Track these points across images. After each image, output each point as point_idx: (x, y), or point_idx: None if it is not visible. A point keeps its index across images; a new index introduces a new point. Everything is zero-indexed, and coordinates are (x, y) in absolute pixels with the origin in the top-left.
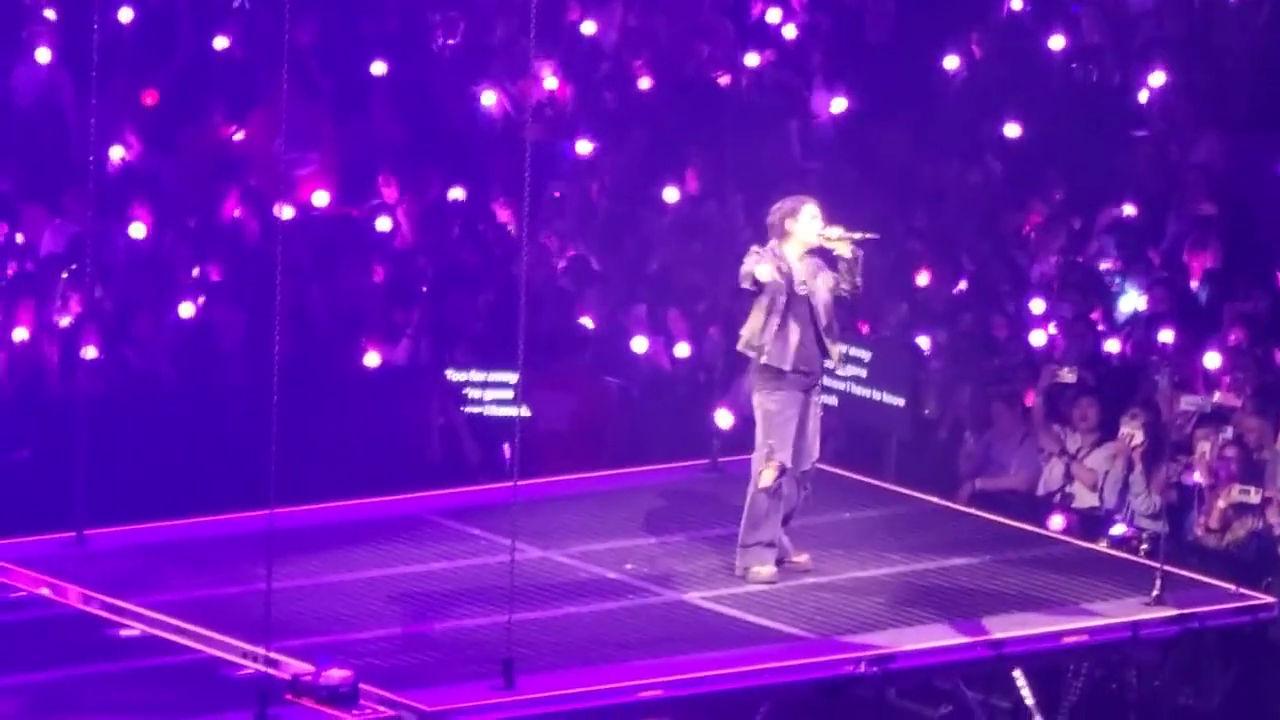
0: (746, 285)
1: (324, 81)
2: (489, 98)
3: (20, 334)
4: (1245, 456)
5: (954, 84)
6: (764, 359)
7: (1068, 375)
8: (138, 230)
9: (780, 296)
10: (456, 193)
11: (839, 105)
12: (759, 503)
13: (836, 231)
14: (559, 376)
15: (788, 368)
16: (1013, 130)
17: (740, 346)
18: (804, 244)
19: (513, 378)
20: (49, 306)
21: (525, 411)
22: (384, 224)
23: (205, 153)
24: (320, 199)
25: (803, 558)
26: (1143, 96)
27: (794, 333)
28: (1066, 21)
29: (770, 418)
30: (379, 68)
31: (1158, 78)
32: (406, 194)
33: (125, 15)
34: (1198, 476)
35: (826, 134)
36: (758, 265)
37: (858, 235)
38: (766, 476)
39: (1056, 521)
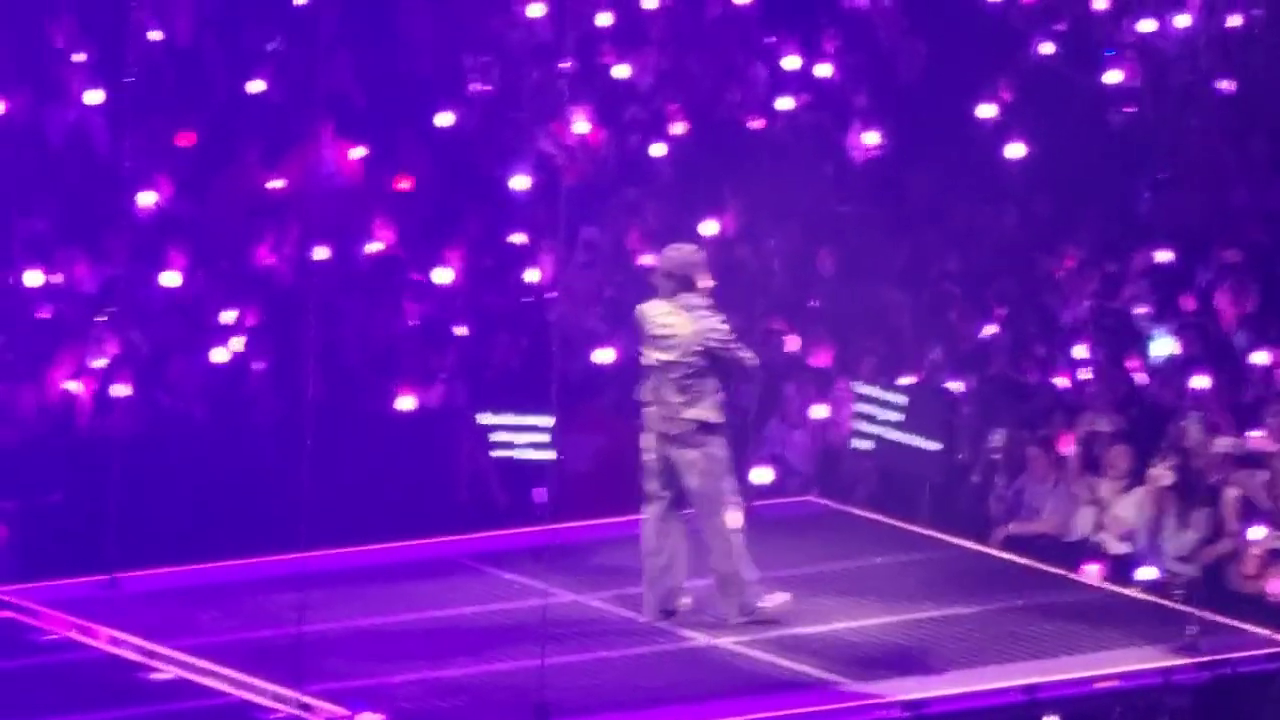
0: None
1: (360, 122)
2: (521, 181)
3: (57, 377)
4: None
5: (986, 126)
6: (713, 417)
7: (1105, 425)
8: (173, 278)
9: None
10: (518, 237)
11: (872, 141)
12: (741, 543)
13: None
14: (583, 417)
15: (723, 420)
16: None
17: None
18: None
19: (545, 421)
20: (84, 348)
21: (553, 455)
22: (445, 276)
23: (240, 195)
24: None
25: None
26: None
27: None
28: (1101, 65)
29: (721, 465)
30: (446, 118)
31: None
32: (448, 238)
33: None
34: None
35: (860, 176)
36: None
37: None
38: (738, 518)
39: (1091, 570)
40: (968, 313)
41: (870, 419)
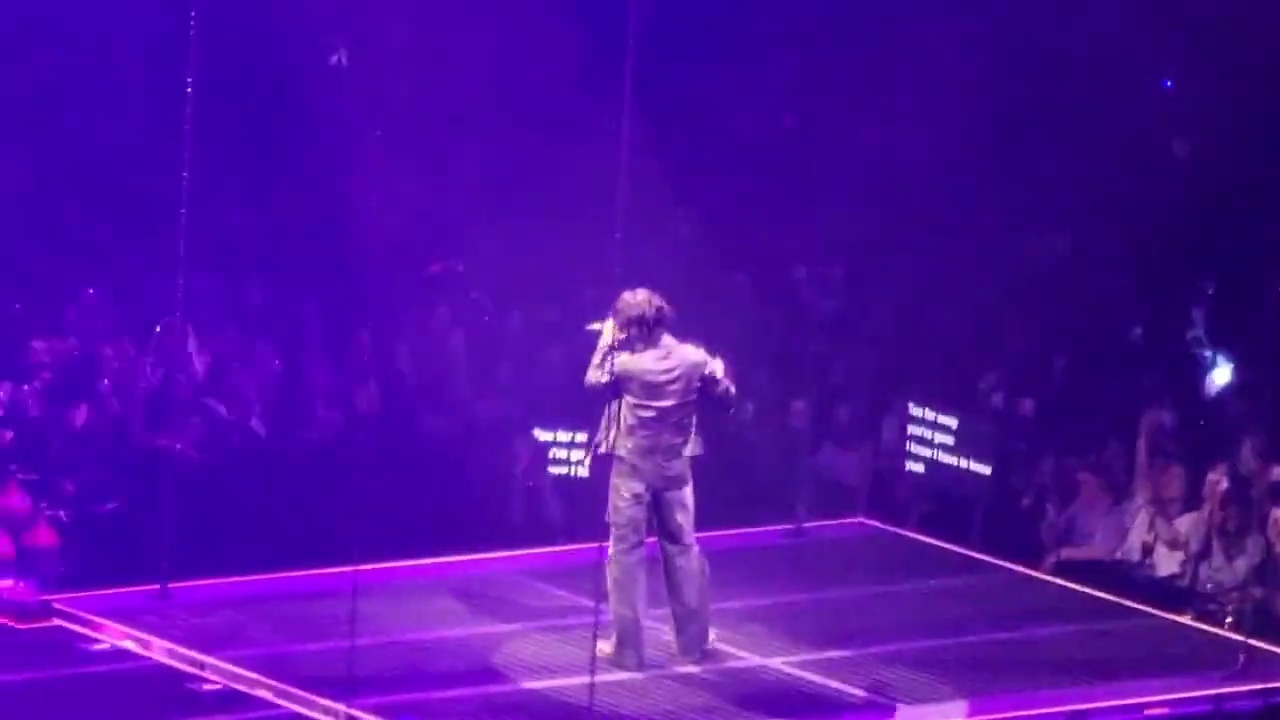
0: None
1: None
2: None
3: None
4: None
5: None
6: (700, 450)
7: (1167, 418)
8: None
9: None
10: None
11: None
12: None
13: None
14: None
15: None
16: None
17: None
18: None
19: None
20: (142, 359)
21: (585, 471)
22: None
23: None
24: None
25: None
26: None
27: None
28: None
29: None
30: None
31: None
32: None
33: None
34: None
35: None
36: None
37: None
38: None
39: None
40: (1023, 337)
41: (923, 441)
